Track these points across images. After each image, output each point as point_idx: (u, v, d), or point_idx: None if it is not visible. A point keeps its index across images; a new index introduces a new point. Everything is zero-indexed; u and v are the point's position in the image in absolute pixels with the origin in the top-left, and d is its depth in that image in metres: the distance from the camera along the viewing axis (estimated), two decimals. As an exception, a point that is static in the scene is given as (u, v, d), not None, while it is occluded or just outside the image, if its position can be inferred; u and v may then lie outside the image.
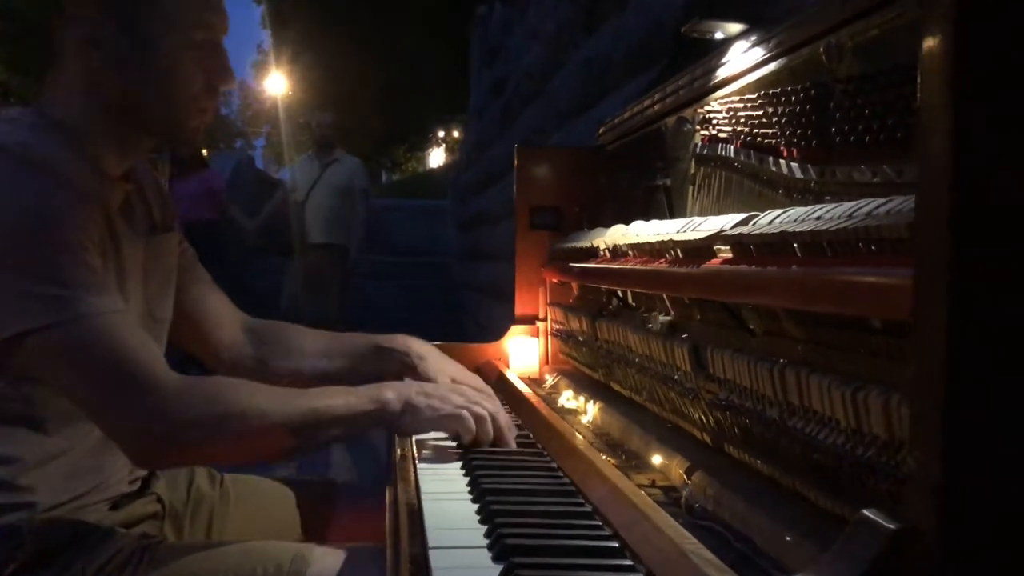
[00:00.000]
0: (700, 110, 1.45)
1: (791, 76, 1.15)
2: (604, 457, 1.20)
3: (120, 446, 1.13)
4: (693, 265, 1.05)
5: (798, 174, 1.10)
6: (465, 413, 1.17)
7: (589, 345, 1.64)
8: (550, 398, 1.70)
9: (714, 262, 1.02)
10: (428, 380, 1.42)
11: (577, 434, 1.23)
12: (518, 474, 1.10)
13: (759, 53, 1.22)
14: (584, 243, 1.65)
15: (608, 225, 1.97)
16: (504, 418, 1.21)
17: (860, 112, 0.97)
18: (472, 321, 8.34)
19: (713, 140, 1.39)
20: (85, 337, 1.07)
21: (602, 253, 1.54)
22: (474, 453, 1.16)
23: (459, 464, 1.16)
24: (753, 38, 1.25)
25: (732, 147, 1.31)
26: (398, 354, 1.47)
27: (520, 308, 2.12)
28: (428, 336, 1.56)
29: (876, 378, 0.75)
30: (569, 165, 2.14)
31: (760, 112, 1.22)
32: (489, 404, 1.22)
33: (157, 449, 1.12)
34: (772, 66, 1.19)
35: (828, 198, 1.03)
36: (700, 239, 1.05)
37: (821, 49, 1.06)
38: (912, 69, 0.59)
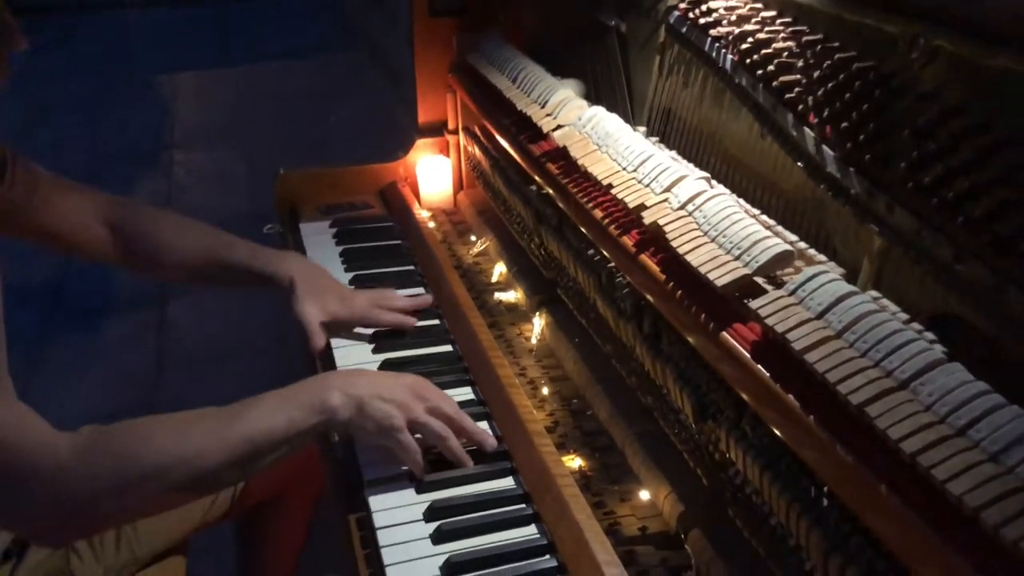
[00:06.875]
0: (680, -28, 1.11)
1: (838, 30, 0.85)
2: (570, 462, 1.07)
3: (30, 540, 0.92)
4: (707, 316, 0.84)
5: (831, 167, 0.86)
6: (415, 454, 0.99)
7: (527, 233, 1.42)
8: (478, 279, 1.50)
9: (740, 332, 0.81)
10: (300, 320, 1.24)
11: (537, 423, 1.06)
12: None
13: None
14: (520, 103, 1.34)
15: (533, 45, 1.61)
16: (467, 424, 1.03)
17: (941, 156, 0.72)
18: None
19: (696, 25, 1.08)
20: None
21: (546, 135, 1.26)
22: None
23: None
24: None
25: (729, 56, 1.02)
26: (279, 288, 1.27)
27: (424, 115, 1.80)
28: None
29: None
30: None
31: (783, 45, 0.93)
32: (447, 408, 1.02)
33: (72, 532, 0.93)
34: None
35: (875, 228, 0.81)
36: (725, 283, 0.83)
37: (898, 35, 0.77)
38: None
